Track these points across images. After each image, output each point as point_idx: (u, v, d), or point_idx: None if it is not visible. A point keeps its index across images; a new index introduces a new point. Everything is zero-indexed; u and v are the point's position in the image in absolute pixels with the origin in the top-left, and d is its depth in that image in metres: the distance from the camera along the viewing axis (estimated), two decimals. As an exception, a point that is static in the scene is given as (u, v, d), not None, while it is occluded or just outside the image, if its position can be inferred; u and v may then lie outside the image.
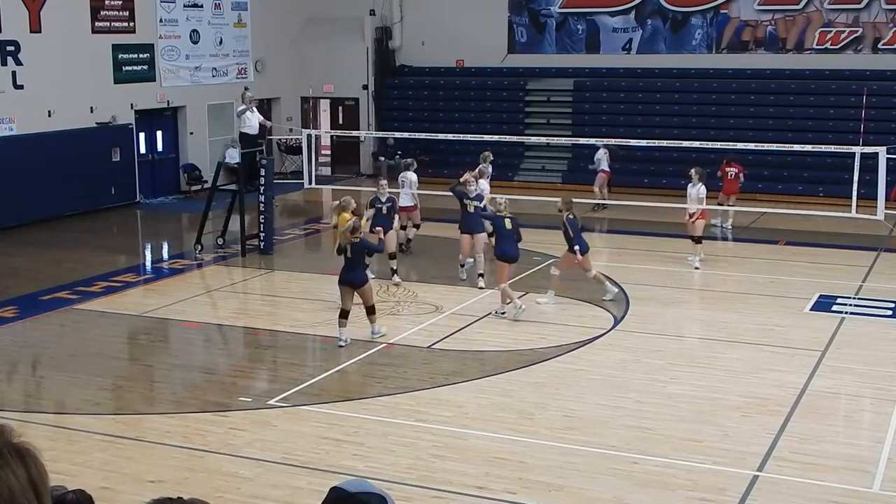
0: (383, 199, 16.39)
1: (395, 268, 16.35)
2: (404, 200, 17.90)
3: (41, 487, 1.91)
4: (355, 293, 12.93)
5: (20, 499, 1.86)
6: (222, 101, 26.32)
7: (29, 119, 21.39)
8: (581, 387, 11.63)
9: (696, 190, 17.19)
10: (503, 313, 14.39)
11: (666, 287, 16.02)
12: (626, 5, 27.08)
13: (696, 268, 17.01)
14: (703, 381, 11.76)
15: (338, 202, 14.52)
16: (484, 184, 17.59)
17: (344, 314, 12.93)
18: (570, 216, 14.97)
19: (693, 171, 17.32)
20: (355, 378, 11.91)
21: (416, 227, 18.56)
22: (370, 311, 13.14)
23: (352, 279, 12.87)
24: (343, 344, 12.92)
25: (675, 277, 16.77)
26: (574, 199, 15.66)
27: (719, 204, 20.72)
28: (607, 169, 22.92)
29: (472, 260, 16.17)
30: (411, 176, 18.32)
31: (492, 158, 19.17)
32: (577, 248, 14.77)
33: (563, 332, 13.60)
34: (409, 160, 19.22)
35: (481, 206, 16.19)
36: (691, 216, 17.26)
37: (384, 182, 16.91)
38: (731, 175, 20.74)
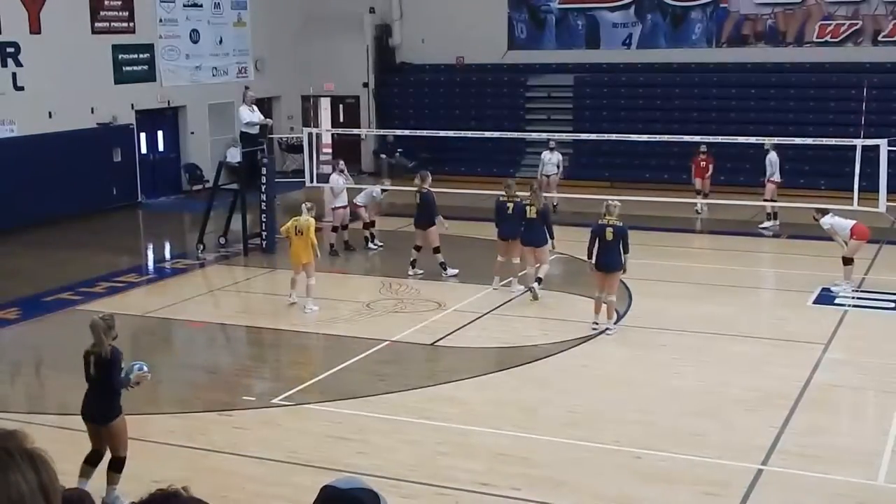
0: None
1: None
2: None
3: (51, 493, 1.92)
4: None
5: (29, 503, 1.87)
6: (223, 100, 26.31)
7: (29, 120, 21.38)
8: (584, 382, 11.64)
9: None
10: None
11: (668, 282, 16.01)
12: (625, 0, 27.05)
13: None
14: (707, 375, 11.76)
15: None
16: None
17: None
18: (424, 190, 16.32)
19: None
20: (359, 376, 11.90)
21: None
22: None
23: None
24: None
25: (677, 272, 16.76)
26: (575, 196, 15.67)
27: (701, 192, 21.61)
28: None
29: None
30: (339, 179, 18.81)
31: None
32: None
33: (565, 327, 13.58)
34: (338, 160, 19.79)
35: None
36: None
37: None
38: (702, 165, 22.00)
